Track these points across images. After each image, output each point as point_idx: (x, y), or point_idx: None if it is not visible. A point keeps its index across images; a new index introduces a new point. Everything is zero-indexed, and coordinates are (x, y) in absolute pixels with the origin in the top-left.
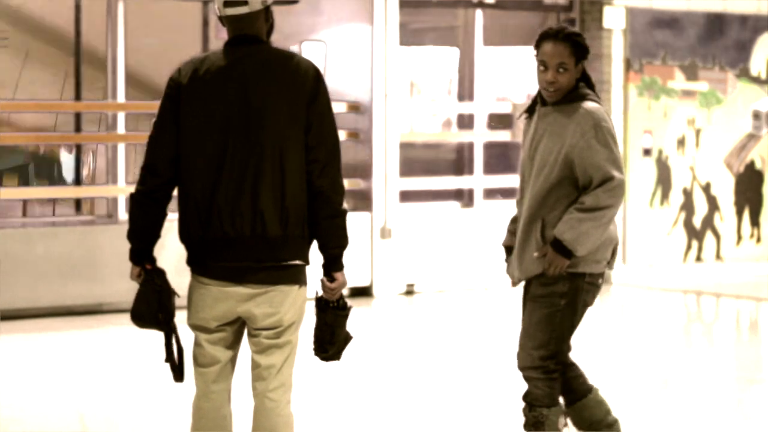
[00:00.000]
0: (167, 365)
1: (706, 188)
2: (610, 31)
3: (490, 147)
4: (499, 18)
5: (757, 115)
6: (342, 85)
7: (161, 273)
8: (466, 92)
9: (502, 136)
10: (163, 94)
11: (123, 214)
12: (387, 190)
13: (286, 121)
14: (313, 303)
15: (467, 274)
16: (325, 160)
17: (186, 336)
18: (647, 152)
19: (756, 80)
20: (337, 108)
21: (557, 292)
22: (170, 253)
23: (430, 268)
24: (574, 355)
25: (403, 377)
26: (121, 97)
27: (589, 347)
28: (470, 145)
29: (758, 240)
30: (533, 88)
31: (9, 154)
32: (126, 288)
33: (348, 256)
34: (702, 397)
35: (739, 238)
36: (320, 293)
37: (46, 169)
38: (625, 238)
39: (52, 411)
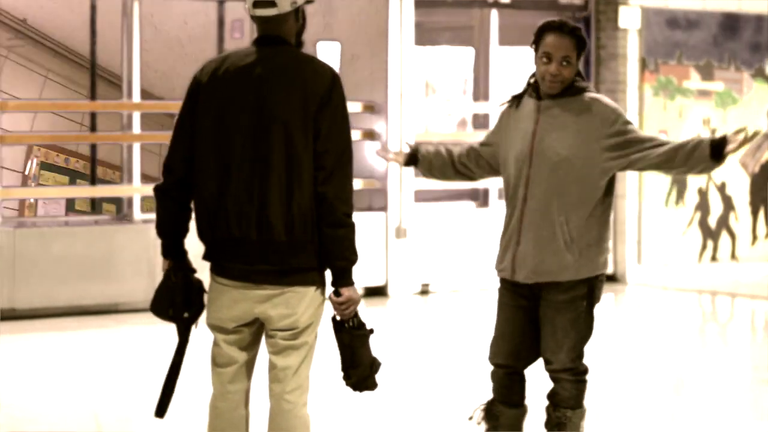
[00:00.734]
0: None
1: (722, 188)
2: (626, 30)
3: None
4: (515, 17)
5: None
6: (357, 85)
7: (181, 269)
8: (481, 92)
9: None
10: (186, 92)
11: (138, 214)
12: (402, 190)
13: (296, 127)
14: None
15: (482, 274)
16: (332, 167)
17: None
18: None
19: None
20: (352, 108)
21: (579, 295)
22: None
23: (444, 267)
24: (588, 357)
25: (417, 377)
26: (136, 97)
27: (604, 347)
28: None
29: None
30: None
31: None
32: (142, 288)
33: (363, 256)
34: (717, 397)
35: (754, 237)
36: (335, 312)
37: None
38: (641, 238)
39: (68, 411)
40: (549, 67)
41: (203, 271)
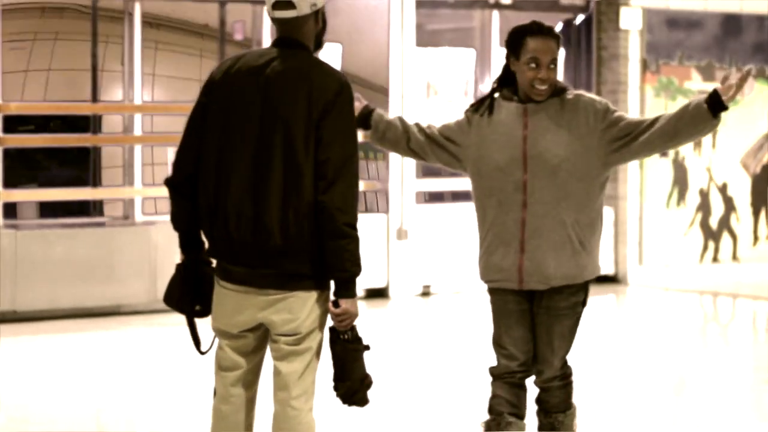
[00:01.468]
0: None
1: (723, 189)
2: (627, 31)
3: None
4: (516, 19)
5: None
6: (358, 87)
7: (191, 263)
8: (482, 93)
9: None
10: (201, 88)
11: (140, 216)
12: (403, 192)
13: (298, 132)
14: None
15: None
16: (333, 177)
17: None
18: (664, 153)
19: None
20: None
21: (578, 301)
22: None
23: (446, 269)
24: (590, 358)
25: (419, 379)
26: (137, 99)
27: (605, 348)
28: None
29: None
30: None
31: None
32: (143, 290)
33: (364, 258)
34: (718, 398)
35: (756, 238)
36: (332, 322)
37: None
38: (642, 239)
39: (71, 412)
40: (538, 72)
41: None
